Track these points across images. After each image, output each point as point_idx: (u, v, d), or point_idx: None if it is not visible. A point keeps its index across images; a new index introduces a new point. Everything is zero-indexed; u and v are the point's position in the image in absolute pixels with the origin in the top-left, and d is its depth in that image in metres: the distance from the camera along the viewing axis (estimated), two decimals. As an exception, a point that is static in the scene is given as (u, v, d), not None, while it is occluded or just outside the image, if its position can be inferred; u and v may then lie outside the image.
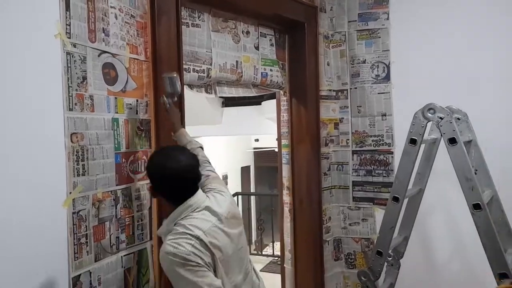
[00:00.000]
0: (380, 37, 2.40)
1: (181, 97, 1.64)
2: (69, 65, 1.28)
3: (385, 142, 2.41)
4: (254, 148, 8.88)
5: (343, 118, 2.51)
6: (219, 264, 1.25)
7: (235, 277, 1.34)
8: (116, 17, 1.46)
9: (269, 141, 7.01)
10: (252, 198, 6.65)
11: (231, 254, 1.32)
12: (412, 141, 1.75)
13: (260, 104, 5.04)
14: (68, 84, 1.28)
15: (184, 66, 1.76)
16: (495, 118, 2.10)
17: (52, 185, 1.24)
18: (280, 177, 2.52)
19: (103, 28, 1.41)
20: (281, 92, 2.45)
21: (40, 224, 1.20)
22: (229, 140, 7.67)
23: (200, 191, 1.35)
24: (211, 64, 1.93)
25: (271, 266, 4.73)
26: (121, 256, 1.46)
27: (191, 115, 1.89)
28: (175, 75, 1.52)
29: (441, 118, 1.67)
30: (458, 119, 1.86)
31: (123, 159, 1.48)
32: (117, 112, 1.46)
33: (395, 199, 1.81)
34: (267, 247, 5.89)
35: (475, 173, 1.71)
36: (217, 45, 1.97)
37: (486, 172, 1.84)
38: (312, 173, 2.38)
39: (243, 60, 2.11)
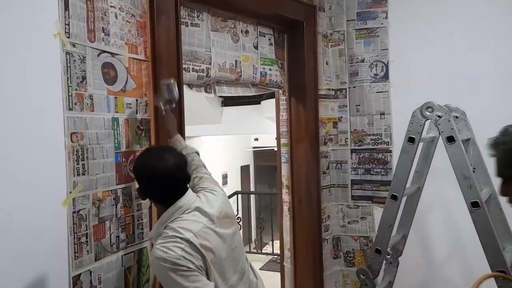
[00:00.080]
0: (378, 36, 2.40)
1: (180, 103, 1.64)
2: (68, 64, 1.29)
3: (384, 141, 2.41)
4: (254, 147, 8.89)
5: (342, 117, 2.52)
6: (211, 267, 1.22)
7: (230, 278, 1.31)
8: (115, 17, 1.47)
9: (269, 140, 7.01)
10: (252, 197, 6.67)
11: (225, 256, 1.29)
12: (411, 140, 1.76)
13: (259, 103, 5.04)
14: (67, 83, 1.28)
15: (184, 66, 1.76)
16: (494, 118, 2.09)
17: (52, 184, 1.24)
18: (279, 176, 2.53)
19: (102, 27, 1.41)
20: (280, 91, 2.45)
21: (40, 223, 1.20)
22: (229, 139, 7.67)
23: (190, 191, 1.33)
24: (210, 64, 1.93)
25: (270, 264, 4.75)
26: (121, 255, 1.47)
27: (191, 115, 1.90)
28: (172, 81, 1.51)
29: (439, 116, 1.68)
30: (456, 117, 1.87)
31: (123, 159, 1.48)
32: (117, 112, 1.46)
33: (394, 197, 1.81)
34: (267, 245, 5.91)
35: (473, 171, 1.72)
36: (216, 44, 1.97)
37: (484, 170, 1.85)
38: (311, 172, 2.39)
39: (242, 59, 2.12)
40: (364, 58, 2.44)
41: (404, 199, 1.91)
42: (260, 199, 5.70)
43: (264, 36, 2.26)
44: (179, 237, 1.19)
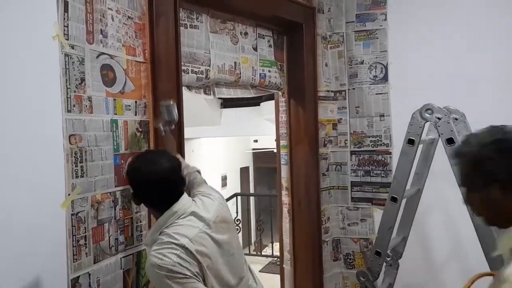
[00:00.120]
0: (378, 38, 2.40)
1: (179, 124, 1.64)
2: (67, 66, 1.28)
3: (383, 143, 2.41)
4: (253, 149, 8.89)
5: (341, 118, 2.52)
6: (208, 273, 1.20)
7: (229, 284, 1.29)
8: (114, 19, 1.46)
9: (268, 142, 7.02)
10: (251, 198, 6.66)
11: (222, 261, 1.27)
12: (410, 142, 1.76)
13: (258, 105, 5.05)
14: (66, 85, 1.28)
15: (183, 67, 1.76)
16: (493, 119, 2.09)
17: (50, 186, 1.24)
18: (279, 177, 2.52)
19: (101, 29, 1.41)
20: (280, 93, 2.45)
21: (39, 225, 1.20)
22: (228, 141, 7.67)
23: (185, 195, 1.31)
24: (209, 65, 1.93)
25: (270, 266, 4.74)
26: (120, 258, 1.46)
27: (190, 117, 1.90)
28: (172, 103, 1.51)
29: (439, 118, 1.68)
30: (456, 119, 1.87)
31: (122, 161, 1.48)
32: (115, 114, 1.46)
33: (394, 199, 1.81)
34: (266, 247, 5.90)
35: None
36: (215, 46, 1.97)
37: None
38: (310, 174, 2.38)
39: (242, 61, 2.12)
40: (363, 60, 2.44)
41: (404, 201, 1.90)
42: (260, 201, 5.70)
43: (263, 38, 2.26)
44: (174, 243, 1.18)
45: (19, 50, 1.17)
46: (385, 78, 2.40)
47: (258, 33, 2.23)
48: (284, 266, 2.51)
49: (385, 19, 2.39)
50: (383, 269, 1.93)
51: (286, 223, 2.47)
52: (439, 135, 1.71)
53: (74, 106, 1.30)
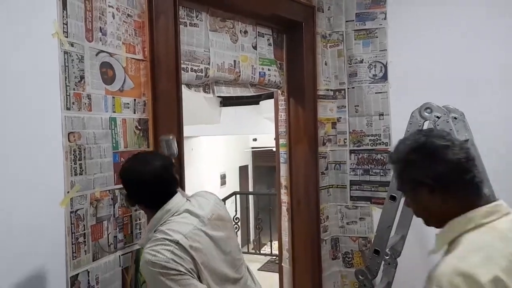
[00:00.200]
0: (377, 37, 2.40)
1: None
2: (66, 64, 1.28)
3: (383, 142, 2.41)
4: (252, 148, 8.89)
5: (340, 117, 2.52)
6: (202, 269, 1.19)
7: (225, 283, 1.28)
8: (113, 16, 1.46)
9: (267, 141, 7.01)
10: (250, 197, 6.65)
11: (218, 259, 1.26)
12: (409, 141, 1.76)
13: (258, 103, 5.04)
14: (65, 83, 1.28)
15: (182, 66, 1.76)
16: (492, 119, 2.11)
17: (49, 184, 1.24)
18: (278, 176, 2.53)
19: (100, 27, 1.41)
20: (279, 91, 2.45)
21: (38, 223, 1.20)
22: (227, 139, 7.67)
23: (178, 194, 1.31)
24: (209, 64, 1.93)
25: (269, 265, 4.74)
26: (119, 256, 1.46)
27: (189, 115, 1.90)
28: (171, 137, 1.51)
29: (437, 117, 1.68)
30: (455, 118, 1.87)
31: (121, 159, 1.48)
32: (114, 112, 1.46)
33: (392, 198, 1.81)
34: (265, 246, 5.90)
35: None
36: (215, 44, 1.97)
37: (483, 171, 1.85)
38: (309, 173, 2.38)
39: (241, 59, 2.11)
40: (363, 59, 2.44)
41: (402, 199, 1.90)
42: (259, 199, 5.69)
43: (263, 37, 2.26)
44: (168, 239, 1.17)
45: (19, 48, 1.17)
46: (384, 77, 2.40)
47: (258, 32, 2.23)
48: (283, 264, 2.52)
49: (385, 18, 2.39)
50: (381, 267, 1.93)
51: (285, 221, 2.47)
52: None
53: (73, 103, 1.30)
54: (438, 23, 2.26)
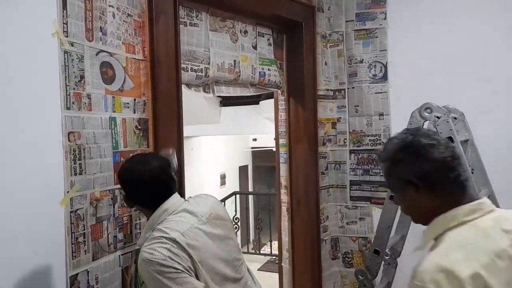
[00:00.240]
0: (377, 37, 2.40)
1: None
2: (66, 64, 1.28)
3: (383, 142, 2.41)
4: (252, 148, 8.89)
5: (340, 117, 2.52)
6: (200, 267, 1.19)
7: (225, 282, 1.27)
8: (113, 16, 1.46)
9: (267, 141, 7.02)
10: (250, 197, 6.66)
11: (216, 257, 1.26)
12: (409, 141, 1.75)
13: (258, 103, 5.05)
14: (65, 82, 1.28)
15: (182, 65, 1.76)
16: (493, 119, 2.11)
17: (49, 184, 1.24)
18: (278, 176, 2.52)
19: (100, 27, 1.41)
20: (279, 91, 2.45)
21: (37, 223, 1.20)
22: (227, 139, 7.67)
23: (176, 194, 1.31)
24: (209, 64, 1.93)
25: (269, 265, 4.74)
26: (119, 255, 1.46)
27: (189, 115, 1.90)
28: (171, 151, 1.51)
29: (438, 117, 1.68)
30: (455, 118, 1.87)
31: (121, 158, 1.48)
32: (114, 111, 1.46)
33: (392, 198, 1.81)
34: (265, 246, 5.90)
35: (472, 172, 1.72)
36: (215, 44, 1.97)
37: (482, 171, 1.85)
38: (309, 173, 2.38)
39: (241, 59, 2.11)
40: (363, 59, 2.44)
41: (402, 200, 1.90)
42: (259, 199, 5.69)
43: (263, 36, 2.26)
44: (164, 237, 1.17)
45: (19, 47, 1.17)
46: (384, 77, 2.40)
47: (258, 32, 2.23)
48: (282, 264, 2.52)
49: (385, 18, 2.39)
50: (381, 268, 1.93)
51: (285, 221, 2.47)
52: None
53: (73, 103, 1.30)
54: (438, 23, 2.26)
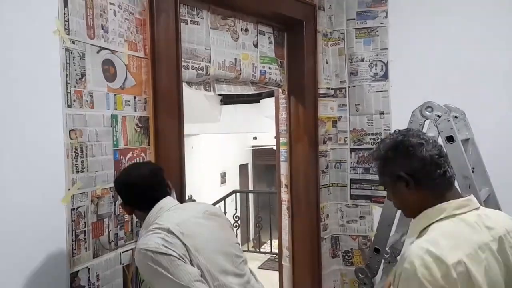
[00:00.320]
0: (378, 36, 2.40)
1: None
2: (68, 61, 1.28)
3: (383, 140, 2.41)
4: (253, 146, 8.90)
5: (341, 116, 2.52)
6: (197, 255, 1.19)
7: (226, 272, 1.27)
8: (115, 14, 1.46)
9: (267, 139, 7.02)
10: (250, 195, 6.66)
11: (213, 247, 1.26)
12: (410, 139, 1.75)
13: (258, 102, 5.05)
14: (66, 80, 1.28)
15: (183, 63, 1.76)
16: (493, 118, 2.11)
17: (51, 181, 1.24)
18: (278, 175, 2.53)
19: (101, 24, 1.41)
20: (280, 90, 2.45)
21: (39, 220, 1.20)
22: (228, 137, 7.67)
23: (170, 197, 1.34)
24: (209, 62, 1.93)
25: (269, 263, 4.74)
26: (120, 253, 1.47)
27: (190, 113, 1.90)
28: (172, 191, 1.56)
29: (438, 116, 1.68)
30: (456, 117, 1.87)
31: (121, 156, 1.48)
32: (116, 109, 1.46)
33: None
34: (265, 244, 5.91)
35: (473, 171, 1.72)
36: (216, 42, 1.97)
37: (483, 170, 1.85)
38: (310, 171, 2.38)
39: (242, 57, 2.11)
40: (364, 57, 2.44)
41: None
42: (259, 198, 5.69)
43: (264, 35, 2.26)
44: (159, 228, 1.20)
45: (20, 45, 1.17)
46: (385, 76, 2.40)
47: (259, 30, 2.23)
48: (282, 263, 2.52)
49: (386, 17, 2.38)
50: (381, 266, 1.94)
51: (285, 220, 2.47)
52: (438, 133, 1.70)
53: (74, 101, 1.30)
54: (439, 21, 2.26)
